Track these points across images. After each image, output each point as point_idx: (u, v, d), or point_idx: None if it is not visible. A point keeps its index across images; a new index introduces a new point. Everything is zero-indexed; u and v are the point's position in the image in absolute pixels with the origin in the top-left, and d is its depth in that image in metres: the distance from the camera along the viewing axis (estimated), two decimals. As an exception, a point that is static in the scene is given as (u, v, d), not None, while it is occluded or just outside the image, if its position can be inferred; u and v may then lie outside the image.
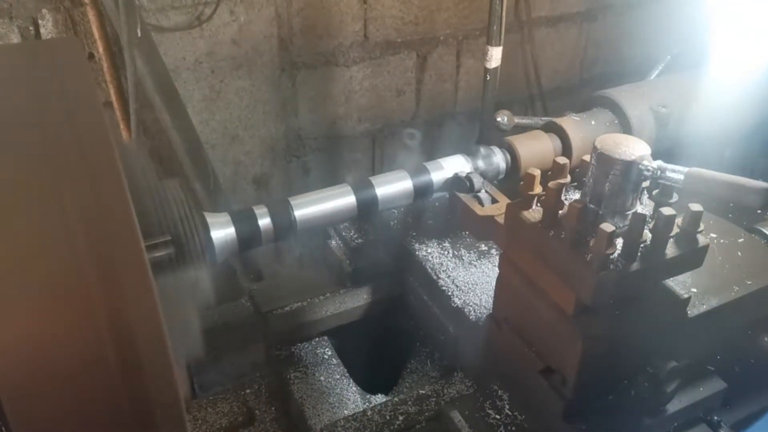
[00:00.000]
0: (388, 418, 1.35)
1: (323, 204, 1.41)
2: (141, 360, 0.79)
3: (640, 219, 1.09)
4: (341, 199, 1.43)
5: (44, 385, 0.75)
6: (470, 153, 1.59)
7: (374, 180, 1.47)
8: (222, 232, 1.27)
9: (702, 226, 1.15)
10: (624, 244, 1.11)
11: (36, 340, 0.74)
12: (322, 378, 1.52)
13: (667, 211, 1.10)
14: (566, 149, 1.63)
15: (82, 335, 0.76)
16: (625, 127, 1.69)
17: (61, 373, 0.76)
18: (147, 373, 0.80)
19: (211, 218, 1.26)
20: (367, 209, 1.46)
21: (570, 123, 1.65)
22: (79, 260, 0.75)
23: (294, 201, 1.38)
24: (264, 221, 1.33)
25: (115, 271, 0.77)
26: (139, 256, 0.78)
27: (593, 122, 1.68)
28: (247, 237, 1.31)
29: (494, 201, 1.47)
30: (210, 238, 1.24)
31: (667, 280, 1.23)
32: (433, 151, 2.98)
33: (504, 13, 2.06)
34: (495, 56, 2.12)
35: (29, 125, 0.84)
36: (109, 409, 0.80)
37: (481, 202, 1.46)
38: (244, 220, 1.31)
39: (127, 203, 0.79)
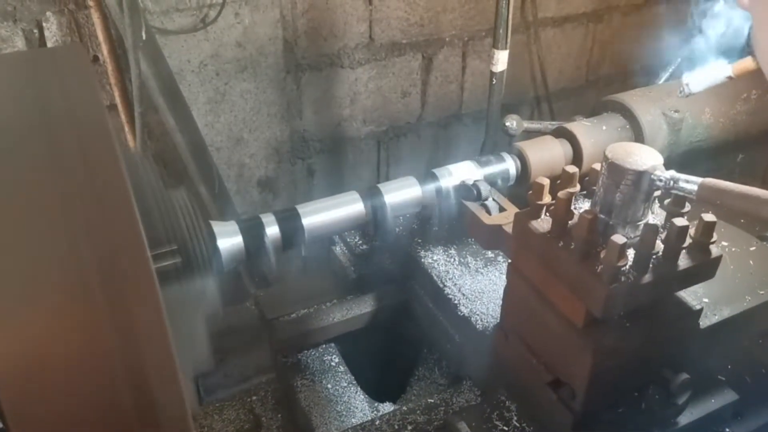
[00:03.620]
0: (396, 427, 1.34)
1: (331, 212, 1.40)
2: (147, 374, 0.78)
3: (653, 230, 1.07)
4: (350, 207, 1.42)
5: (48, 400, 0.75)
6: (479, 159, 1.57)
7: (383, 187, 1.46)
8: (229, 241, 1.25)
9: (715, 237, 1.13)
10: (635, 255, 1.10)
11: (40, 353, 0.74)
12: (329, 386, 1.51)
13: (680, 222, 1.09)
14: (577, 155, 1.62)
15: (86, 349, 0.75)
16: (637, 133, 1.67)
17: (65, 387, 0.75)
18: (154, 387, 0.78)
19: (217, 227, 1.25)
20: (375, 217, 1.44)
21: (580, 128, 1.64)
22: (83, 271, 0.74)
23: (302, 209, 1.37)
24: (271, 230, 1.31)
25: (121, 282, 0.76)
26: (145, 267, 0.77)
27: (604, 127, 1.66)
28: (255, 246, 1.29)
29: (502, 209, 1.45)
30: (217, 248, 1.22)
31: (678, 291, 1.22)
32: (439, 153, 2.99)
33: (510, 17, 2.04)
34: (501, 60, 2.12)
35: (34, 134, 0.83)
36: (115, 424, 0.79)
37: (488, 211, 1.44)
38: (251, 228, 1.30)
39: (133, 212, 0.78)
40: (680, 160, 1.73)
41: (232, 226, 1.28)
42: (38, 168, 0.80)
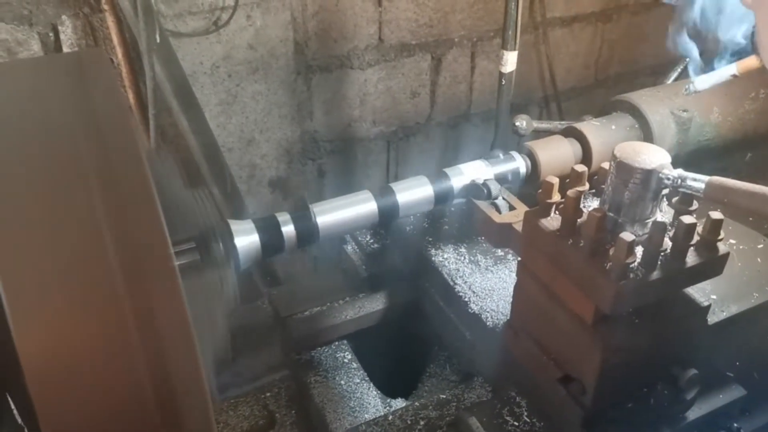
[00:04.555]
0: (409, 422, 1.36)
1: (345, 211, 1.42)
2: (170, 367, 0.80)
3: (661, 228, 1.09)
4: (363, 206, 1.44)
5: (74, 393, 0.77)
6: (490, 158, 1.59)
7: (395, 186, 1.48)
8: (246, 239, 1.28)
9: (722, 234, 1.15)
10: (644, 252, 1.12)
11: (66, 349, 0.76)
12: (342, 382, 1.53)
13: (687, 219, 1.10)
14: (586, 154, 1.63)
15: (111, 344, 0.78)
16: (646, 132, 1.69)
17: (91, 380, 0.78)
18: (177, 380, 0.81)
19: (235, 225, 1.28)
20: (388, 216, 1.47)
21: (590, 128, 1.65)
22: (108, 267, 0.77)
23: (316, 208, 1.39)
24: (287, 228, 1.34)
25: (145, 278, 0.78)
26: (168, 264, 0.80)
27: (613, 127, 1.68)
28: (271, 244, 1.32)
29: (512, 208, 1.47)
30: (234, 245, 1.25)
31: (686, 288, 1.24)
32: (448, 153, 3.01)
33: (519, 18, 2.06)
34: (510, 60, 2.14)
35: (62, 135, 0.86)
36: (139, 417, 0.82)
37: (498, 209, 1.46)
38: (267, 227, 1.32)
39: (157, 210, 0.80)
40: (689, 158, 1.74)
41: (249, 224, 1.31)
42: (65, 166, 0.82)
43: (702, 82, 1.57)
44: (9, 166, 0.80)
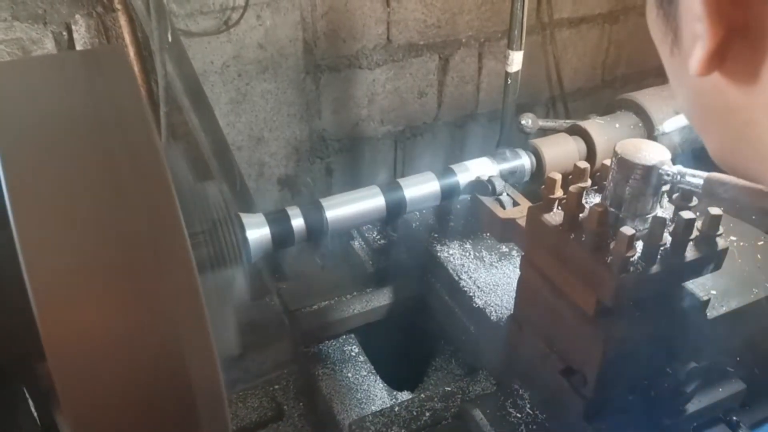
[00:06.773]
0: (414, 413, 1.39)
1: (353, 205, 1.46)
2: (185, 357, 0.83)
3: (660, 222, 1.12)
4: (370, 201, 1.47)
5: (92, 386, 0.80)
6: (495, 155, 1.62)
7: (402, 182, 1.51)
8: (257, 232, 1.32)
9: (721, 229, 1.17)
10: (644, 246, 1.14)
11: (85, 339, 0.79)
12: (349, 375, 1.56)
13: (686, 214, 1.13)
14: (590, 152, 1.66)
15: (129, 335, 0.81)
16: (650, 130, 1.71)
17: (109, 372, 0.81)
18: (192, 368, 0.84)
19: (246, 218, 1.31)
20: (395, 211, 1.50)
21: (594, 126, 1.68)
22: (126, 254, 0.79)
23: (325, 202, 1.43)
24: (297, 222, 1.38)
25: (162, 266, 0.81)
26: (185, 256, 0.83)
27: (617, 125, 1.71)
28: (281, 237, 1.35)
29: (515, 204, 1.50)
30: (246, 238, 1.29)
31: (686, 282, 1.26)
32: (455, 152, 3.03)
33: (525, 18, 2.09)
34: (516, 60, 2.16)
35: (80, 130, 0.89)
36: (154, 405, 0.84)
37: (502, 205, 1.49)
38: (278, 220, 1.36)
39: (173, 201, 0.83)
40: (693, 157, 1.76)
41: (260, 218, 1.34)
42: (86, 156, 0.85)
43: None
44: (34, 154, 0.84)
